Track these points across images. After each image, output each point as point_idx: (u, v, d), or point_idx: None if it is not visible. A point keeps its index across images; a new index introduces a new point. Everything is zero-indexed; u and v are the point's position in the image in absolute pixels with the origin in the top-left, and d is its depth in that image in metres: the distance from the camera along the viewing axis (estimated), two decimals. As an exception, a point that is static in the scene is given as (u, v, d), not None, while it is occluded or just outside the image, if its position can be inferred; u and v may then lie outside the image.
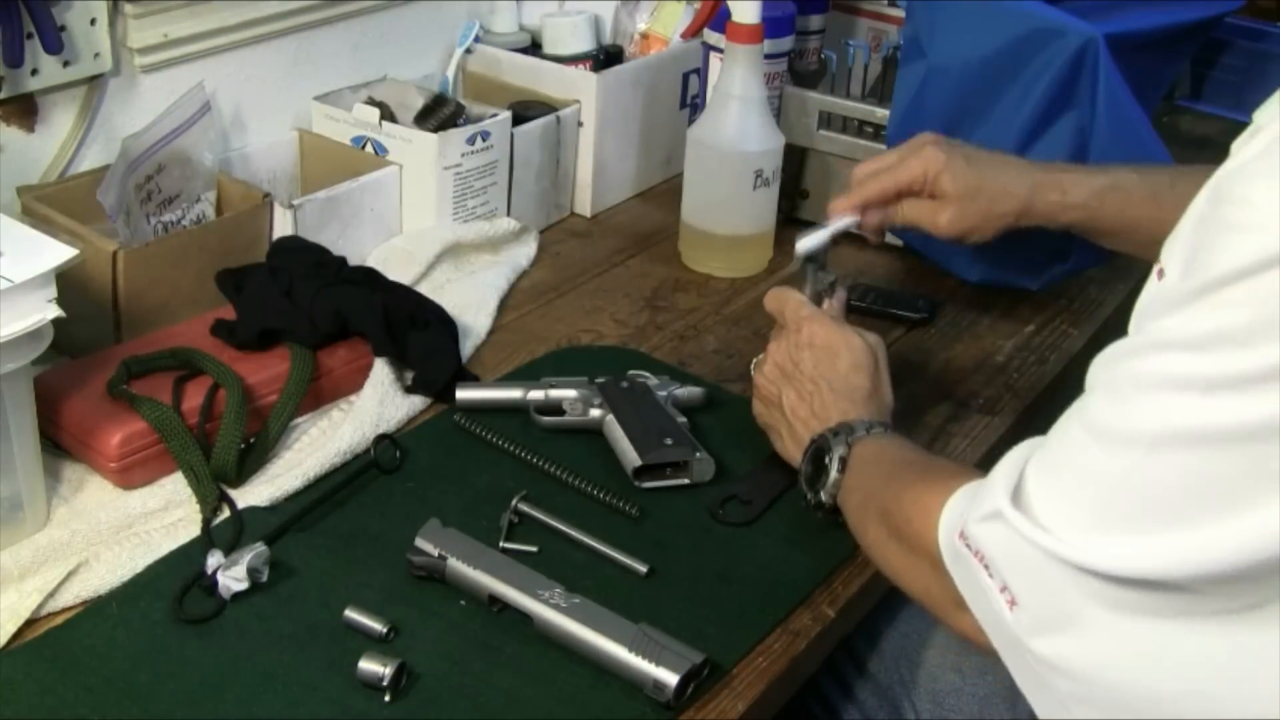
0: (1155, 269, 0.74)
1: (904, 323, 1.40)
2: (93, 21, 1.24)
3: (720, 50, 1.50)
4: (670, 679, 0.89)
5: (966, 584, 0.81)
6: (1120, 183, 1.22)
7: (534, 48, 1.68)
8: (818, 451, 1.05)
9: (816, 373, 1.10)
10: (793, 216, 1.59)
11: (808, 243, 1.24)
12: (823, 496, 1.03)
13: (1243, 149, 0.72)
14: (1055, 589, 0.73)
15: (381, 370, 1.20)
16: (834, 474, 1.02)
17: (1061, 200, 1.22)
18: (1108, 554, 0.71)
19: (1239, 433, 0.66)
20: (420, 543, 0.99)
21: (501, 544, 1.03)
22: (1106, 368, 0.74)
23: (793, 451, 1.10)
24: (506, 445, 1.14)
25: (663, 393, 1.20)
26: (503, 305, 1.40)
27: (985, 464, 0.90)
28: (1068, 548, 0.72)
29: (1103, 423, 0.73)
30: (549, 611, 0.94)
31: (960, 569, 0.81)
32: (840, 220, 1.25)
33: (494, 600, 0.97)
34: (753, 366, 1.18)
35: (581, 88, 1.56)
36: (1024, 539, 0.75)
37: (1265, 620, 0.69)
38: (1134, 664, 0.72)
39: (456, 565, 0.98)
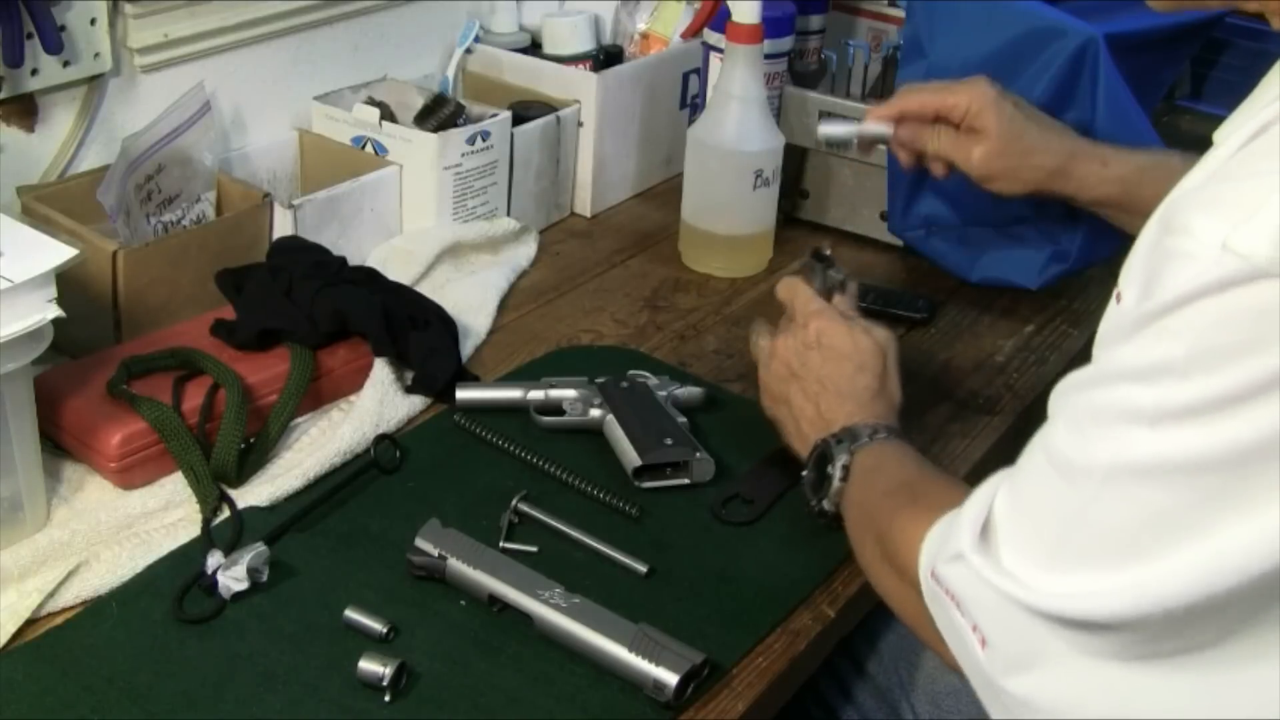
0: (1115, 291, 0.74)
1: (904, 322, 1.40)
2: (93, 21, 1.24)
3: (720, 50, 1.50)
4: (670, 679, 0.89)
5: (942, 621, 0.81)
6: (1164, 162, 1.20)
7: (534, 48, 1.68)
8: (821, 458, 1.04)
9: (823, 373, 1.08)
10: (793, 216, 1.59)
11: (831, 129, 1.23)
12: (825, 505, 1.03)
13: (1193, 173, 0.72)
14: (1021, 631, 0.73)
15: (381, 370, 1.20)
16: (836, 483, 1.01)
17: (1100, 171, 1.21)
18: (1065, 596, 0.70)
19: (1186, 465, 0.66)
20: (420, 543, 0.99)
21: (501, 544, 1.03)
22: (1065, 396, 0.74)
23: (799, 448, 1.10)
24: (506, 445, 1.14)
25: (663, 393, 1.20)
26: (503, 305, 1.40)
27: (985, 464, 0.90)
28: (1027, 592, 0.72)
29: (1062, 454, 0.73)
30: (549, 611, 0.94)
31: (936, 606, 0.81)
32: (872, 125, 1.24)
33: (494, 600, 0.97)
34: (751, 343, 1.17)
35: (581, 88, 1.56)
36: (986, 583, 0.75)
37: (1227, 658, 0.69)
38: (1102, 704, 0.72)
39: (456, 565, 0.98)
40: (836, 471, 1.01)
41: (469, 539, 1.00)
